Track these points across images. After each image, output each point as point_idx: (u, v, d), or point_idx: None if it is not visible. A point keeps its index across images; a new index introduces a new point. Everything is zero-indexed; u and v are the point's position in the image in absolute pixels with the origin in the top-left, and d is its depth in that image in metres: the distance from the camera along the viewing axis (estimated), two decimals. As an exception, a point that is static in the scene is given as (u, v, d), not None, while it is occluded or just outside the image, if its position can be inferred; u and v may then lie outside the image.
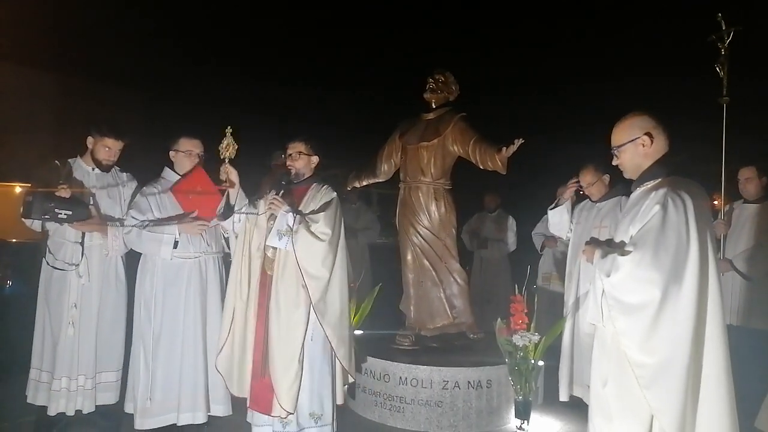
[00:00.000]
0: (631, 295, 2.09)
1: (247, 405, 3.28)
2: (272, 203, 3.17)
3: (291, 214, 3.15)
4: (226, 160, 3.19)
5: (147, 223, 3.43)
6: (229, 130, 3.17)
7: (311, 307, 3.16)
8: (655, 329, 2.04)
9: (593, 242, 2.41)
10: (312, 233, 3.14)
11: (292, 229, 3.11)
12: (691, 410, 2.05)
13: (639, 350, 2.07)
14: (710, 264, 2.13)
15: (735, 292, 4.04)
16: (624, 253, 2.11)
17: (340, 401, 3.37)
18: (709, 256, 2.13)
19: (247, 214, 3.29)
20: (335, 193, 3.33)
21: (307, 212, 3.25)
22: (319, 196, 3.31)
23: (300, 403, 3.13)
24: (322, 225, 3.18)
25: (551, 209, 4.19)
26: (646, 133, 2.27)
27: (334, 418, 3.29)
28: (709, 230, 2.18)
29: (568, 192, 4.08)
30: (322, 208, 3.24)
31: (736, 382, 2.16)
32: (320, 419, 3.19)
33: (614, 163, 2.41)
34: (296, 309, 3.14)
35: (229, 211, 3.26)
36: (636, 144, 2.28)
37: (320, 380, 3.21)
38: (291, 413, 3.08)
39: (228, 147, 3.18)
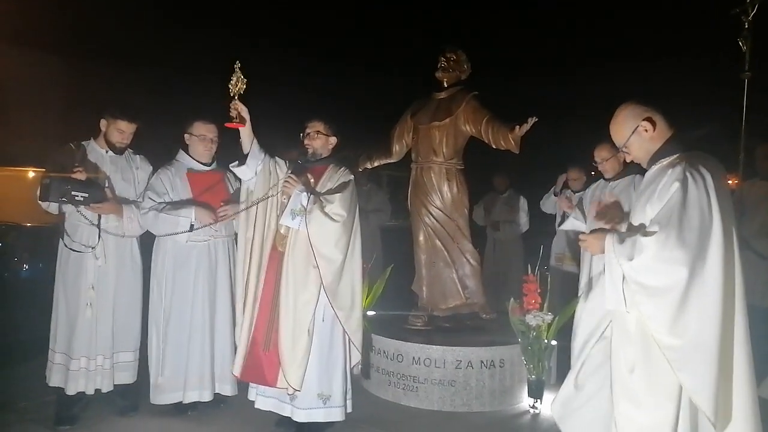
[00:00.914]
0: (657, 276, 2.03)
1: (245, 379, 3.30)
2: (287, 182, 3.17)
3: (305, 193, 3.14)
4: (236, 97, 3.13)
5: (164, 204, 3.47)
6: (237, 65, 3.11)
7: (321, 288, 3.15)
8: (683, 309, 2.00)
9: (598, 232, 2.33)
10: (326, 214, 3.12)
11: (306, 209, 3.11)
12: (725, 389, 2.03)
13: (668, 332, 2.03)
14: (734, 239, 2.09)
15: (751, 271, 4.00)
16: (647, 234, 2.06)
17: None
18: (733, 232, 2.10)
19: (259, 200, 3.28)
20: (353, 176, 3.31)
21: (323, 193, 3.24)
22: (336, 176, 3.29)
23: (308, 383, 3.13)
24: (337, 206, 3.15)
25: (559, 227, 4.31)
26: (644, 119, 2.22)
27: (347, 400, 3.29)
28: (729, 206, 2.14)
29: (564, 203, 4.19)
30: (338, 189, 3.22)
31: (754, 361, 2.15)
32: (329, 400, 3.19)
33: (628, 160, 2.37)
34: (305, 289, 3.15)
35: (243, 158, 3.23)
36: (638, 133, 2.23)
37: (330, 362, 3.20)
38: (297, 390, 3.10)
39: (237, 83, 3.11)
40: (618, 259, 2.11)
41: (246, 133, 3.24)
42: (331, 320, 3.20)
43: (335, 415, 3.22)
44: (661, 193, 2.11)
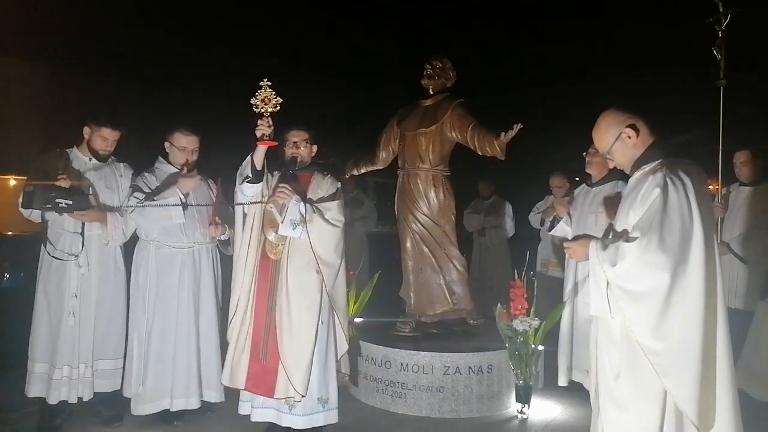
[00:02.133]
0: (640, 281, 2.05)
1: (243, 388, 3.25)
2: (281, 192, 3.16)
3: (302, 203, 3.16)
4: (267, 114, 3.02)
5: (147, 195, 3.44)
6: (266, 82, 3.01)
7: (322, 293, 3.23)
8: (666, 314, 2.02)
9: (581, 238, 2.34)
10: (327, 221, 3.23)
11: (305, 218, 3.14)
12: (709, 392, 2.05)
13: (652, 337, 2.05)
14: (714, 244, 2.12)
15: (732, 275, 4.09)
16: (629, 240, 2.08)
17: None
18: (713, 237, 2.13)
19: (249, 204, 3.29)
20: (338, 182, 3.44)
21: (315, 200, 3.29)
22: (325, 184, 3.38)
23: (310, 388, 3.15)
24: (336, 212, 3.28)
25: (549, 231, 4.39)
26: (627, 126, 2.24)
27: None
28: (710, 210, 2.17)
29: (561, 209, 4.17)
30: (333, 197, 3.34)
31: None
32: (327, 403, 3.23)
33: (611, 166, 2.40)
34: (307, 294, 3.19)
35: (255, 175, 3.16)
36: (622, 140, 2.25)
37: (327, 365, 3.25)
38: (303, 395, 3.11)
39: (265, 100, 3.00)
40: (601, 265, 2.13)
41: (264, 151, 3.15)
42: (327, 323, 3.26)
43: (332, 417, 3.26)
44: (643, 198, 2.14)
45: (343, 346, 3.43)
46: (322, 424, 3.23)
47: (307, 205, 3.19)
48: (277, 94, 3.02)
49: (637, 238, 2.07)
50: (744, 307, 3.99)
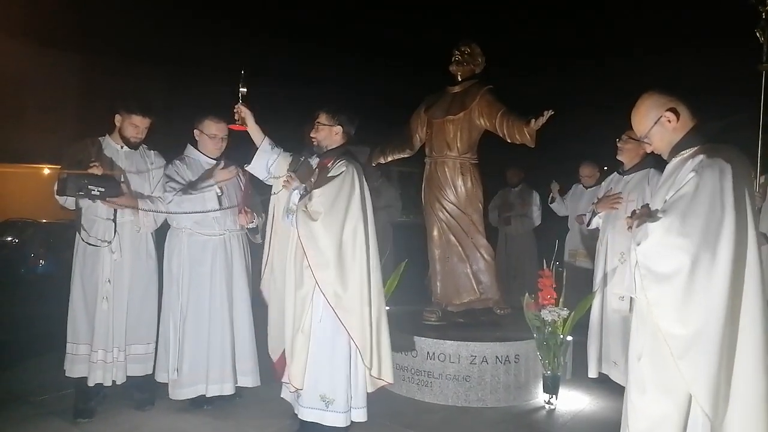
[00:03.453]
0: (662, 262, 2.03)
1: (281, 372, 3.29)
2: (286, 180, 3.13)
3: (297, 191, 3.07)
4: (240, 100, 3.24)
5: (184, 188, 3.51)
6: (242, 72, 3.22)
7: (315, 289, 2.99)
8: (687, 298, 1.99)
9: (639, 212, 2.29)
10: (306, 212, 2.96)
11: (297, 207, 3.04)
12: (725, 383, 2.01)
13: (671, 320, 2.02)
14: (749, 234, 2.05)
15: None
16: (655, 220, 2.06)
17: (370, 389, 3.14)
18: (749, 226, 2.05)
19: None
20: (346, 168, 3.04)
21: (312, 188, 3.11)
22: (333, 170, 3.07)
23: (309, 383, 3.02)
24: (315, 203, 2.96)
25: (588, 226, 4.35)
26: (668, 109, 2.17)
27: (356, 408, 3.09)
28: (750, 199, 2.09)
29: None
30: (321, 184, 3.02)
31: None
32: (332, 404, 3.01)
33: (649, 150, 2.33)
34: (301, 286, 3.05)
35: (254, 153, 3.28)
36: (661, 124, 2.19)
37: (333, 364, 3.03)
38: (299, 388, 3.03)
39: (240, 86, 3.21)
40: (633, 242, 2.13)
41: (253, 132, 3.30)
42: (331, 321, 3.00)
43: (338, 420, 3.02)
44: (678, 183, 2.10)
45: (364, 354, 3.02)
46: (322, 423, 3.04)
47: (296, 193, 3.06)
48: (245, 84, 3.23)
49: (661, 218, 2.04)
50: None
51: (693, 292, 1.99)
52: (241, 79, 3.20)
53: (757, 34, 3.72)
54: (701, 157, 2.08)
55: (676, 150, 2.21)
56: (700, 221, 1.98)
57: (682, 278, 1.99)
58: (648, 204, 2.27)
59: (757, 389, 2.02)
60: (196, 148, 3.67)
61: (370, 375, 3.08)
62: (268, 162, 3.29)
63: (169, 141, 3.84)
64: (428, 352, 3.88)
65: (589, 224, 4.33)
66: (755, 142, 3.67)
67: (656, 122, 2.20)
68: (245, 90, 3.21)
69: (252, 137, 3.32)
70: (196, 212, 3.45)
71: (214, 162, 3.66)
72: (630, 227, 2.20)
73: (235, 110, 3.25)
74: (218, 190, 3.50)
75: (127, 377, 3.50)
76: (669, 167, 2.25)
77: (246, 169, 3.42)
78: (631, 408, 2.16)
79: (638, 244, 2.08)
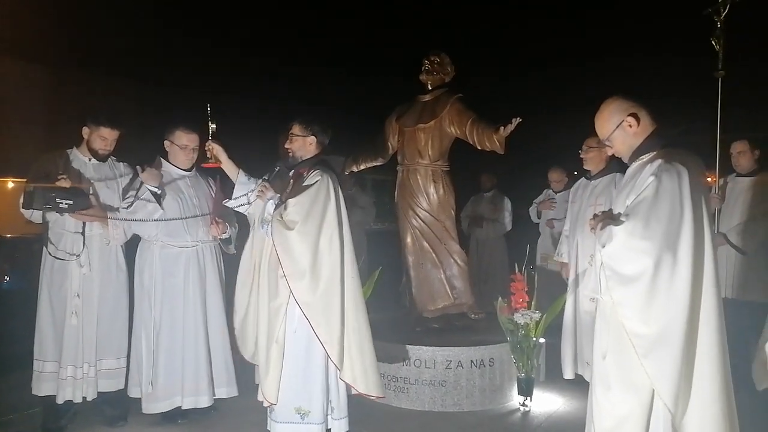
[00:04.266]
0: (626, 265, 2.10)
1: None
2: (260, 190, 3.11)
3: (271, 201, 3.06)
4: (210, 138, 3.20)
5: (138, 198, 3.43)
6: (208, 108, 3.18)
7: (289, 300, 2.95)
8: (651, 299, 2.06)
9: (601, 215, 2.36)
10: (281, 221, 2.93)
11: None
12: (686, 380, 2.08)
13: (636, 320, 2.08)
14: (705, 236, 2.13)
15: (730, 266, 4.10)
16: (618, 223, 2.13)
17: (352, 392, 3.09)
18: (705, 228, 2.14)
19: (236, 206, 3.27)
20: (321, 177, 3.02)
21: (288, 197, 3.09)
22: (308, 179, 3.06)
23: (284, 396, 2.95)
24: (290, 212, 2.93)
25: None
26: (629, 114, 2.25)
27: (336, 420, 3.06)
28: (705, 202, 2.18)
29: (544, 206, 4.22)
30: (296, 193, 3.00)
31: (732, 354, 2.18)
32: (307, 416, 2.96)
33: (609, 153, 2.39)
34: (276, 297, 3.00)
35: (232, 189, 3.25)
36: (623, 128, 2.26)
37: (308, 375, 2.98)
38: (272, 403, 2.96)
39: (209, 124, 3.18)
40: (598, 244, 2.19)
41: (227, 167, 3.25)
42: (306, 332, 2.95)
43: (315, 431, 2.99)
44: (638, 187, 2.17)
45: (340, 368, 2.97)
46: None
47: (271, 203, 3.06)
48: (214, 120, 3.19)
49: (624, 222, 2.11)
50: (738, 297, 4.01)
51: (656, 293, 2.05)
52: (208, 116, 3.15)
53: (713, 43, 3.88)
54: (659, 161, 2.15)
55: (636, 154, 2.29)
56: (662, 225, 2.06)
57: (646, 280, 2.06)
58: (611, 208, 2.34)
59: (714, 385, 2.09)
60: (167, 160, 3.63)
61: (355, 391, 3.04)
62: (248, 194, 3.25)
63: (141, 153, 3.80)
64: (404, 359, 3.90)
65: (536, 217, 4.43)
66: (709, 146, 3.82)
67: (618, 126, 2.28)
68: (215, 126, 3.17)
69: (227, 172, 3.26)
70: (149, 221, 3.39)
71: (185, 172, 3.63)
72: (593, 229, 2.26)
73: (206, 148, 3.19)
74: (154, 190, 3.39)
75: (98, 393, 3.44)
76: (629, 171, 2.33)
77: (226, 204, 3.31)
78: (596, 406, 2.22)
79: (603, 246, 2.15)
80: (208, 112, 3.16)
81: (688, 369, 2.09)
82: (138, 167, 3.45)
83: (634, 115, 2.25)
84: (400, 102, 4.62)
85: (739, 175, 4.22)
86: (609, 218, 2.20)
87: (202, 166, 3.38)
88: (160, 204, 3.40)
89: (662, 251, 2.04)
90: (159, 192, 3.43)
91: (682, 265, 2.05)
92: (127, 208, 3.40)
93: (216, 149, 3.18)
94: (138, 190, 3.42)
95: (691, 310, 2.07)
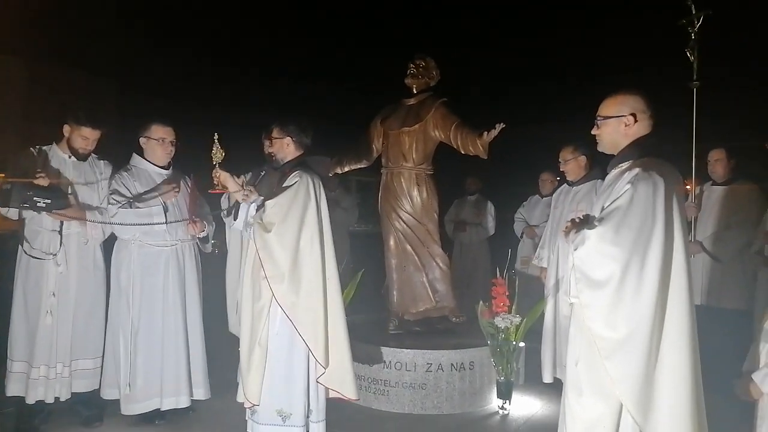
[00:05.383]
0: (595, 269, 2.13)
1: None
2: (245, 193, 3.09)
3: (253, 204, 3.04)
4: (216, 165, 3.09)
5: (130, 200, 3.43)
6: (216, 137, 3.08)
7: (272, 301, 2.95)
8: (617, 304, 2.09)
9: (577, 221, 2.39)
10: (261, 224, 2.94)
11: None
12: (650, 386, 2.10)
13: (601, 324, 2.12)
14: (677, 245, 2.16)
15: (705, 273, 4.18)
16: (591, 227, 2.16)
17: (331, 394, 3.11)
18: (676, 238, 2.16)
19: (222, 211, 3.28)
20: (300, 178, 3.01)
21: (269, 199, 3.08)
22: (287, 181, 3.06)
23: (266, 398, 2.96)
24: (269, 213, 2.93)
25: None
26: (631, 114, 2.28)
27: (315, 422, 3.05)
28: (680, 212, 2.21)
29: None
30: (275, 195, 2.99)
31: (707, 360, 2.22)
32: (289, 418, 2.96)
33: (593, 131, 2.39)
34: (259, 298, 2.99)
35: (233, 208, 3.20)
36: (619, 121, 2.29)
37: (290, 377, 2.98)
38: (255, 404, 2.97)
39: (216, 152, 3.07)
40: (571, 247, 2.22)
41: (238, 196, 3.11)
42: (288, 334, 2.96)
43: None
44: (615, 193, 2.20)
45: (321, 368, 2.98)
46: None
47: (254, 206, 3.01)
48: (221, 146, 3.07)
49: (596, 226, 2.15)
50: (714, 304, 4.08)
51: (622, 299, 2.09)
52: (214, 144, 3.07)
53: (688, 54, 3.96)
54: (637, 170, 2.19)
55: (616, 161, 2.34)
56: (632, 233, 2.09)
57: (613, 285, 2.09)
58: (587, 214, 2.38)
59: (682, 392, 2.12)
60: (143, 157, 3.59)
61: (332, 393, 3.05)
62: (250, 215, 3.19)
63: (121, 151, 3.76)
64: (385, 361, 3.91)
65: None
66: (685, 156, 3.89)
67: (617, 117, 2.30)
68: (222, 154, 3.08)
69: (236, 198, 3.15)
70: (144, 224, 3.38)
71: (163, 170, 3.59)
72: (566, 232, 2.29)
73: (214, 175, 3.09)
74: (164, 204, 3.44)
75: (72, 393, 3.39)
76: (608, 178, 2.37)
77: (223, 218, 3.34)
78: (568, 410, 2.24)
79: (575, 249, 2.18)
80: (215, 138, 3.07)
81: (653, 375, 2.11)
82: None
83: (634, 117, 2.28)
84: (380, 107, 4.63)
85: (714, 183, 4.30)
86: (585, 224, 2.24)
87: (209, 192, 3.24)
88: (166, 216, 3.40)
89: (631, 258, 2.07)
90: (167, 207, 3.44)
91: (650, 273, 2.08)
92: (116, 210, 3.37)
93: (223, 176, 3.08)
94: (144, 195, 3.42)
95: (658, 318, 2.10)
